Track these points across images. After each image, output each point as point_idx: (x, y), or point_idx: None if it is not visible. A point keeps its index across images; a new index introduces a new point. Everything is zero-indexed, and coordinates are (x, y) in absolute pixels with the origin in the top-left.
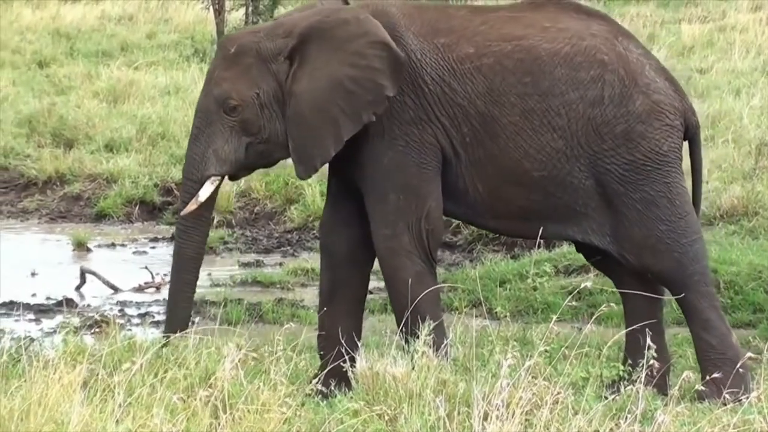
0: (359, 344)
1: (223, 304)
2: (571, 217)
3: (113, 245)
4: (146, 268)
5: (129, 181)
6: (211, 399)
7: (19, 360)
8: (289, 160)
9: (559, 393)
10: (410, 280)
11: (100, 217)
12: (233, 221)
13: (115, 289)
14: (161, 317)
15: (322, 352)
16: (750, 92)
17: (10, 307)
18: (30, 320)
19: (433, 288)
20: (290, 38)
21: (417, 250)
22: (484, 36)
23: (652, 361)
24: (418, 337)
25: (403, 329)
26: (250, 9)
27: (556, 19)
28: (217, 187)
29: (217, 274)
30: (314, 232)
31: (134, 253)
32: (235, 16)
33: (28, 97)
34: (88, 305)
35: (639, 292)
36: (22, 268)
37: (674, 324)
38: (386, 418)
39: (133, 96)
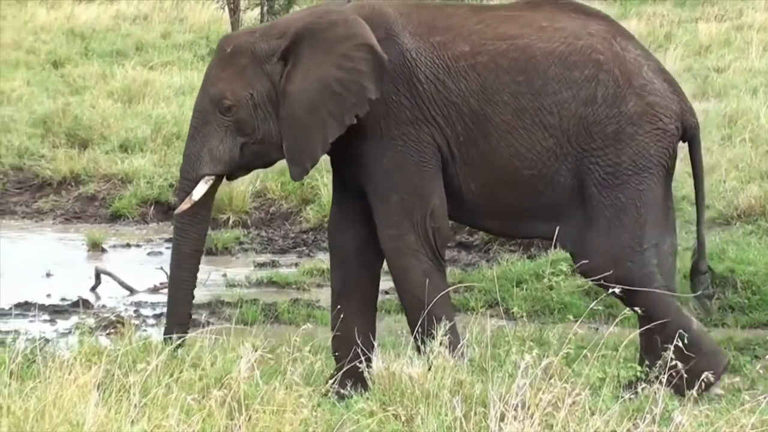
0: (375, 344)
1: (238, 304)
2: (558, 215)
3: (128, 246)
4: (161, 268)
5: (144, 181)
6: (227, 400)
7: (35, 361)
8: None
9: (578, 394)
10: (419, 279)
11: (115, 217)
12: (249, 221)
13: (131, 290)
14: None
15: (336, 353)
16: (767, 91)
17: (26, 307)
18: (45, 321)
19: (443, 287)
20: (283, 39)
21: (424, 248)
22: (480, 35)
23: (675, 362)
24: (432, 337)
25: (414, 327)
26: (265, 8)
27: (553, 19)
28: (215, 186)
29: (232, 274)
30: None
31: (149, 253)
32: (250, 16)
33: (43, 97)
34: (103, 306)
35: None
36: (37, 269)
37: None
38: (402, 418)
39: (148, 96)
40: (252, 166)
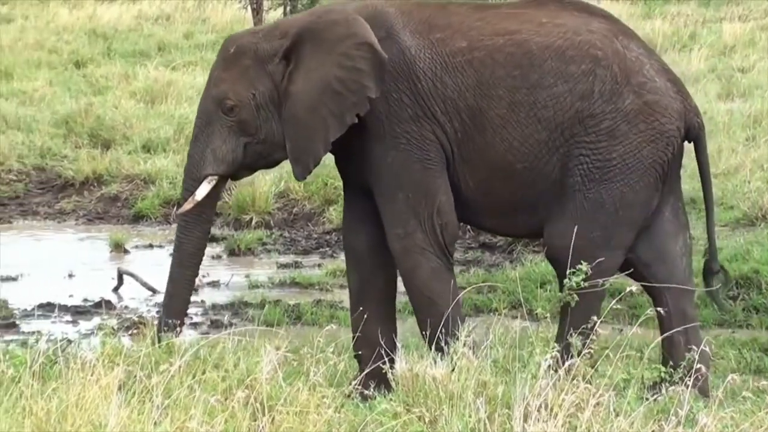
0: (397, 344)
1: (261, 305)
2: (547, 207)
3: (151, 246)
4: None
5: (167, 181)
6: (250, 401)
7: (57, 362)
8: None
9: (601, 395)
10: (427, 277)
11: (138, 218)
12: (272, 222)
13: (153, 291)
14: (199, 318)
15: (358, 354)
16: None
17: (48, 308)
18: (67, 322)
19: (452, 285)
20: (285, 39)
21: (432, 246)
22: (478, 31)
23: (699, 365)
24: (443, 335)
25: (423, 326)
26: (288, 8)
27: (555, 16)
28: (218, 186)
29: (255, 275)
30: None
31: (172, 254)
32: (273, 16)
33: (65, 98)
34: (126, 307)
35: (670, 285)
36: (59, 270)
37: (715, 325)
38: (426, 420)
39: (170, 96)
40: (255, 166)
